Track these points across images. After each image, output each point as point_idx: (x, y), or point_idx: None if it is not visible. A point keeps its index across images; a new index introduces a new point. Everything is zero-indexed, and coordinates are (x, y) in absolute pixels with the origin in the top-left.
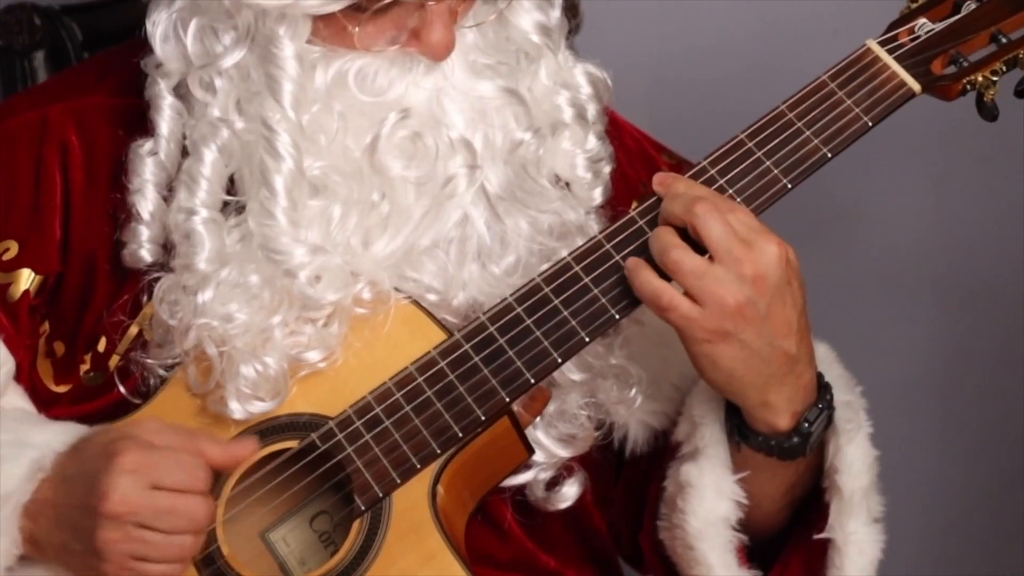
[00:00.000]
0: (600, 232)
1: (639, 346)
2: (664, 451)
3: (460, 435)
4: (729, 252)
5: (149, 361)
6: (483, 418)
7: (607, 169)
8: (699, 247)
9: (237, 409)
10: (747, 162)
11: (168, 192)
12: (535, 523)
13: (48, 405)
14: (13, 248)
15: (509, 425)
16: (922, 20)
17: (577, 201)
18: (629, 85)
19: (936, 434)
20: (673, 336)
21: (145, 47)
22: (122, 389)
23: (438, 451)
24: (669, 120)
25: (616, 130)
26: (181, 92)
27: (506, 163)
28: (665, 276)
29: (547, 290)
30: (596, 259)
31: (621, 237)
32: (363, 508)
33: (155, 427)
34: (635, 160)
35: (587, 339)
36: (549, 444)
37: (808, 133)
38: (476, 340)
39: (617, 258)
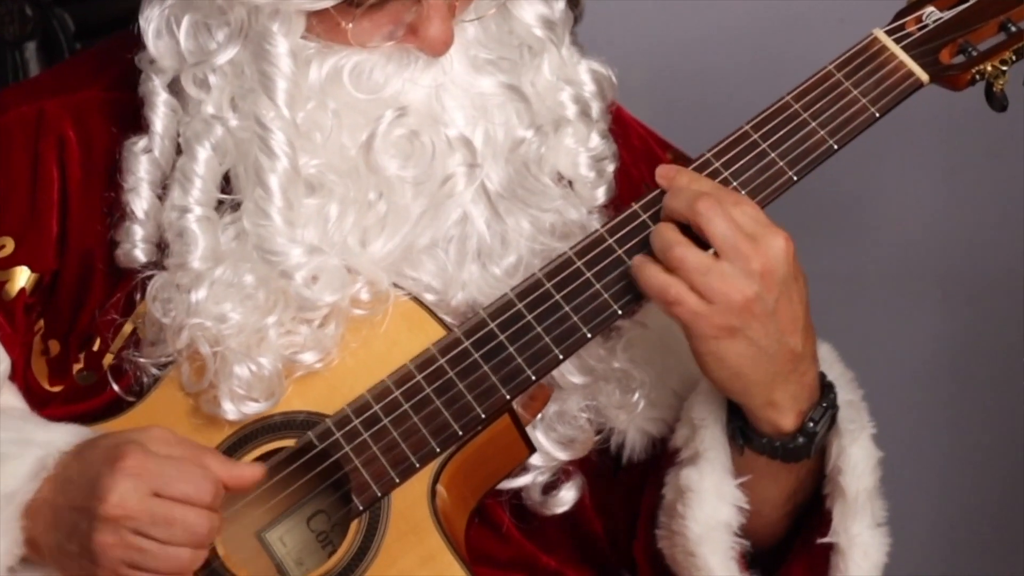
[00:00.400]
0: (602, 226)
1: (642, 350)
2: (661, 459)
3: (460, 433)
4: (735, 248)
5: (142, 360)
6: (483, 416)
7: (611, 168)
8: (702, 241)
9: (231, 410)
10: (752, 154)
11: (163, 190)
12: (532, 527)
13: (42, 404)
14: (9, 245)
15: (510, 423)
16: (930, 9)
17: (580, 200)
18: (631, 75)
19: (943, 432)
20: (675, 342)
21: (140, 41)
22: (116, 387)
23: (437, 450)
24: (672, 111)
25: (622, 128)
26: (176, 89)
27: (507, 161)
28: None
29: (548, 285)
30: (598, 254)
31: (624, 231)
32: (361, 508)
33: (164, 436)
34: (640, 159)
35: (589, 335)
36: (548, 447)
37: (814, 124)
38: (476, 337)
39: (620, 252)
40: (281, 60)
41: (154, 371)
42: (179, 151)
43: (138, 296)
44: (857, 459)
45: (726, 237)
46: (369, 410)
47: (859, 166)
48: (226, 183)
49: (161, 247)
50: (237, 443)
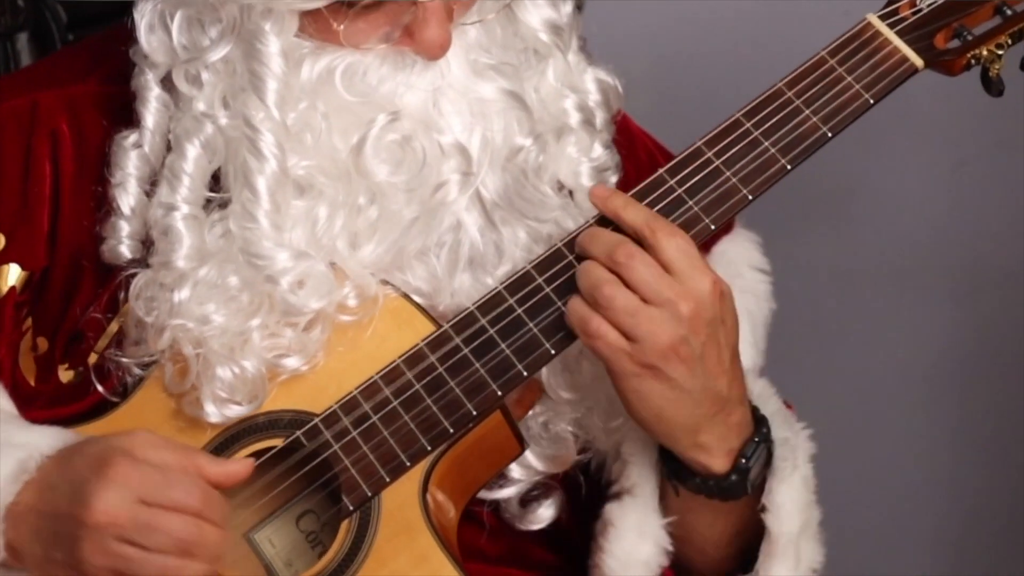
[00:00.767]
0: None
1: None
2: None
3: (451, 431)
4: (658, 295)
5: (125, 360)
6: (474, 413)
7: (613, 179)
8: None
9: (213, 412)
10: (744, 142)
11: (152, 187)
12: (515, 531)
13: (28, 402)
14: (0, 241)
15: (501, 419)
16: None
17: (579, 211)
18: (624, 63)
19: (951, 430)
20: None
21: (134, 34)
22: (100, 388)
23: (428, 447)
24: (663, 99)
25: (628, 139)
26: (169, 84)
27: (504, 169)
28: None
29: (540, 279)
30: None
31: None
32: (351, 508)
33: (150, 440)
34: (644, 173)
35: None
36: (531, 459)
37: (807, 112)
38: (466, 332)
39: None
40: (272, 60)
41: (137, 371)
42: (169, 148)
43: (122, 295)
44: (784, 499)
45: (649, 284)
46: (358, 408)
47: (866, 160)
48: (215, 181)
49: (147, 244)
50: (223, 444)
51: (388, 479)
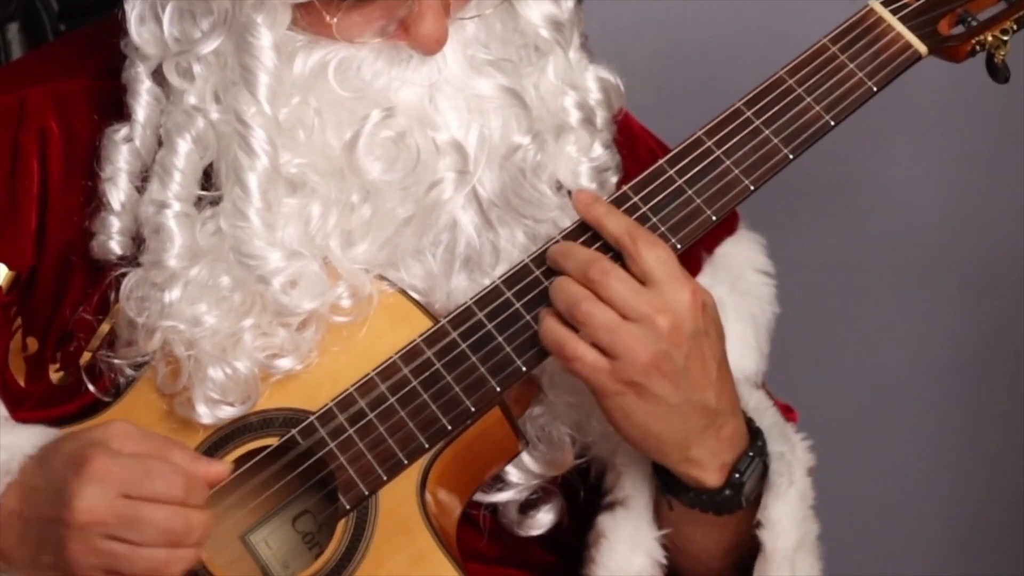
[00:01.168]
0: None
1: None
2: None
3: (449, 428)
4: (637, 311)
5: (116, 361)
6: (473, 409)
7: (613, 179)
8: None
9: (205, 413)
10: (745, 131)
11: (143, 182)
12: (506, 543)
13: (18, 403)
14: None
15: (500, 416)
16: None
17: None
18: (624, 54)
19: (960, 430)
20: None
21: (125, 25)
22: (92, 388)
23: (426, 445)
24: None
25: (630, 138)
26: (160, 78)
27: (501, 168)
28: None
29: (537, 272)
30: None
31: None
32: (348, 507)
33: (126, 431)
34: None
35: None
36: (528, 462)
37: (809, 100)
38: (464, 327)
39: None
40: (264, 53)
41: (129, 372)
42: (160, 143)
43: (112, 295)
44: (780, 515)
45: (626, 300)
46: (354, 405)
47: (872, 154)
48: (206, 177)
49: (137, 241)
50: (217, 444)
51: (385, 477)
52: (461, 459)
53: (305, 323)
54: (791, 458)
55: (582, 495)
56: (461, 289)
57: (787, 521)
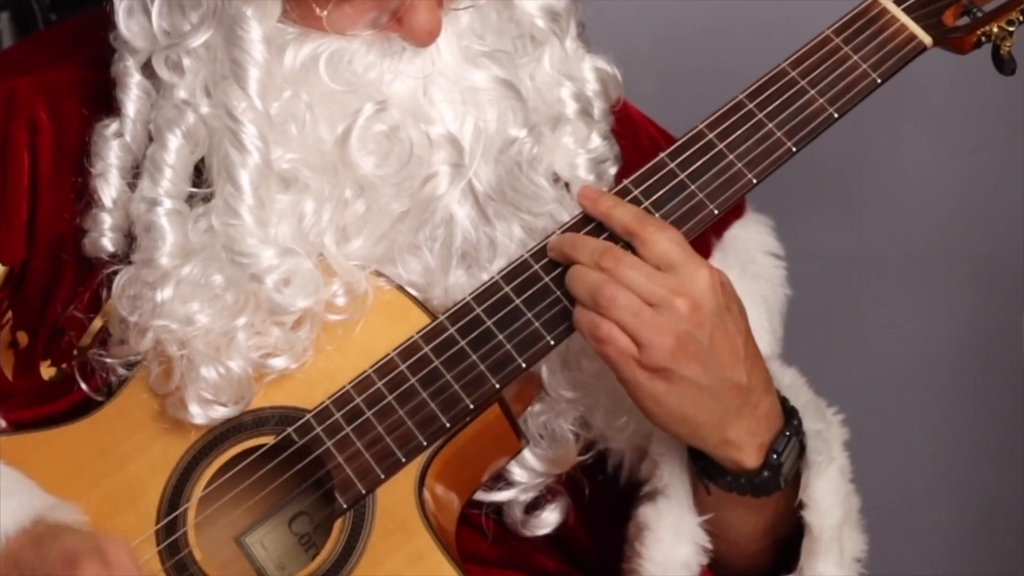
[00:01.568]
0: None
1: None
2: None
3: (448, 426)
4: (654, 294)
5: (108, 360)
6: (472, 407)
7: (612, 170)
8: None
9: (198, 413)
10: (748, 124)
11: (134, 178)
12: (508, 547)
13: (6, 399)
14: None
15: (500, 414)
16: None
17: (575, 204)
18: (625, 45)
19: (969, 422)
20: None
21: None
22: (84, 386)
23: (424, 443)
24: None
25: (629, 127)
26: (150, 71)
27: (497, 161)
28: None
29: (536, 267)
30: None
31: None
32: (345, 507)
33: (123, 550)
34: (648, 160)
35: None
36: (532, 461)
37: (812, 92)
38: (462, 323)
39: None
40: (253, 47)
41: (122, 371)
42: (151, 138)
43: (104, 292)
44: (823, 494)
45: (642, 286)
46: (351, 403)
47: (879, 146)
48: (197, 173)
49: (129, 237)
50: (209, 444)
51: (383, 476)
52: (460, 457)
53: (299, 322)
54: (828, 435)
55: (587, 493)
56: (459, 284)
57: (831, 499)
